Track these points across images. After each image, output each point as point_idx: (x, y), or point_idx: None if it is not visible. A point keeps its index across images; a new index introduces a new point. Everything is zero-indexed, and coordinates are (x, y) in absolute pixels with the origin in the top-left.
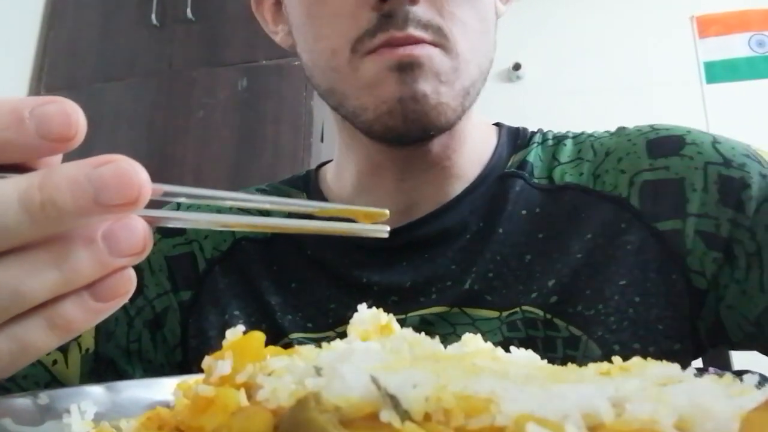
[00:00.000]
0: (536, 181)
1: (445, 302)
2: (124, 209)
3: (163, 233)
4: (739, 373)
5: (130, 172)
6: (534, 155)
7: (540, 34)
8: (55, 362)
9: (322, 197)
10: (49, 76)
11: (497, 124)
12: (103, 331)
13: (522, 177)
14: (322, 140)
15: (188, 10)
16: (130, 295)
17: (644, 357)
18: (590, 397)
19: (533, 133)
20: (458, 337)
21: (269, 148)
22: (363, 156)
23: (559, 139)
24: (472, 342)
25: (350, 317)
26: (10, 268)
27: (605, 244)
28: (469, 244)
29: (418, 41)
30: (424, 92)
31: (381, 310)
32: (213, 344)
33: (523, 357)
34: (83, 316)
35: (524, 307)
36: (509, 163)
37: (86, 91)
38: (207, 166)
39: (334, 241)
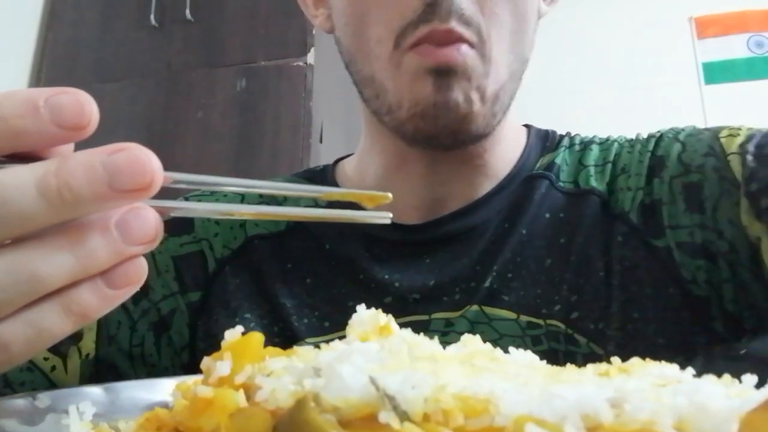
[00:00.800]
0: (562, 184)
1: (467, 302)
2: (137, 195)
3: (170, 232)
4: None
5: (144, 159)
6: (561, 158)
7: (539, 35)
8: (53, 368)
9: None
10: (47, 76)
11: (526, 126)
12: (104, 335)
13: (548, 178)
14: (321, 141)
15: (187, 11)
16: (142, 282)
17: None
18: (589, 397)
19: (562, 137)
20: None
21: (268, 149)
22: (390, 151)
23: (586, 144)
24: (471, 343)
25: None
26: (27, 253)
27: (613, 262)
28: (490, 243)
29: (457, 39)
30: (456, 101)
31: (403, 308)
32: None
33: (522, 358)
34: (98, 303)
35: (548, 321)
36: (537, 165)
37: (85, 91)
38: (206, 167)
39: (354, 235)
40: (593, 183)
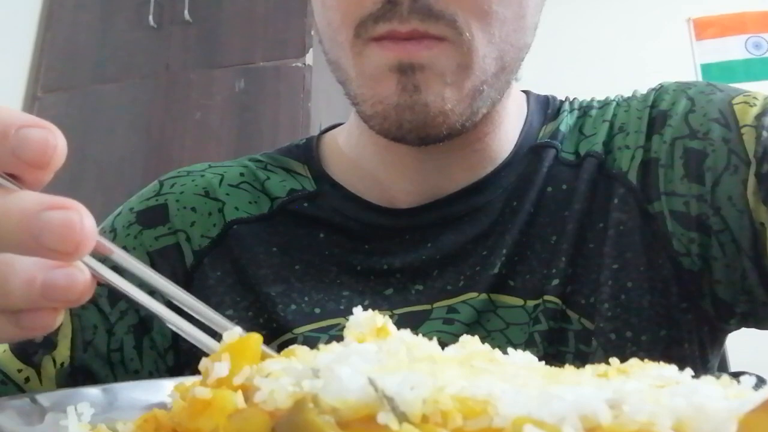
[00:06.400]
0: (565, 155)
1: (474, 289)
2: (62, 257)
3: (143, 224)
4: (737, 375)
5: (75, 225)
6: (565, 124)
7: (537, 37)
8: (27, 380)
9: (325, 175)
10: (46, 77)
11: (524, 91)
12: (79, 341)
13: (554, 147)
14: None
15: (186, 12)
16: (52, 329)
17: (636, 345)
18: (588, 399)
19: (562, 102)
20: (482, 327)
21: (266, 149)
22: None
23: (586, 110)
24: (469, 344)
25: (367, 307)
26: None
27: (608, 226)
28: (497, 224)
29: (422, 36)
30: (425, 101)
31: (403, 299)
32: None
33: (521, 358)
34: None
35: (546, 297)
36: (541, 134)
37: (83, 92)
38: None
39: (348, 224)
40: (589, 147)
